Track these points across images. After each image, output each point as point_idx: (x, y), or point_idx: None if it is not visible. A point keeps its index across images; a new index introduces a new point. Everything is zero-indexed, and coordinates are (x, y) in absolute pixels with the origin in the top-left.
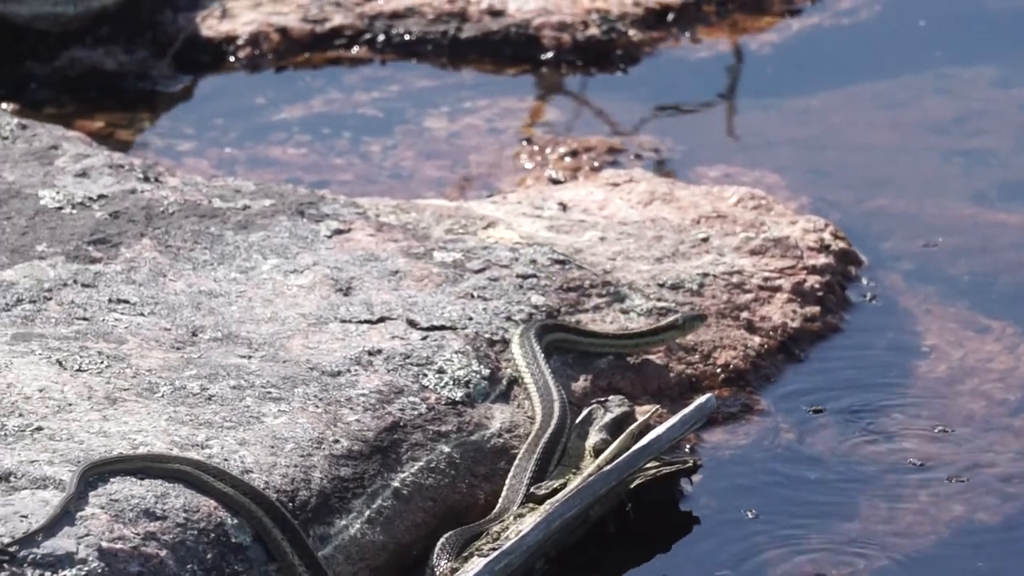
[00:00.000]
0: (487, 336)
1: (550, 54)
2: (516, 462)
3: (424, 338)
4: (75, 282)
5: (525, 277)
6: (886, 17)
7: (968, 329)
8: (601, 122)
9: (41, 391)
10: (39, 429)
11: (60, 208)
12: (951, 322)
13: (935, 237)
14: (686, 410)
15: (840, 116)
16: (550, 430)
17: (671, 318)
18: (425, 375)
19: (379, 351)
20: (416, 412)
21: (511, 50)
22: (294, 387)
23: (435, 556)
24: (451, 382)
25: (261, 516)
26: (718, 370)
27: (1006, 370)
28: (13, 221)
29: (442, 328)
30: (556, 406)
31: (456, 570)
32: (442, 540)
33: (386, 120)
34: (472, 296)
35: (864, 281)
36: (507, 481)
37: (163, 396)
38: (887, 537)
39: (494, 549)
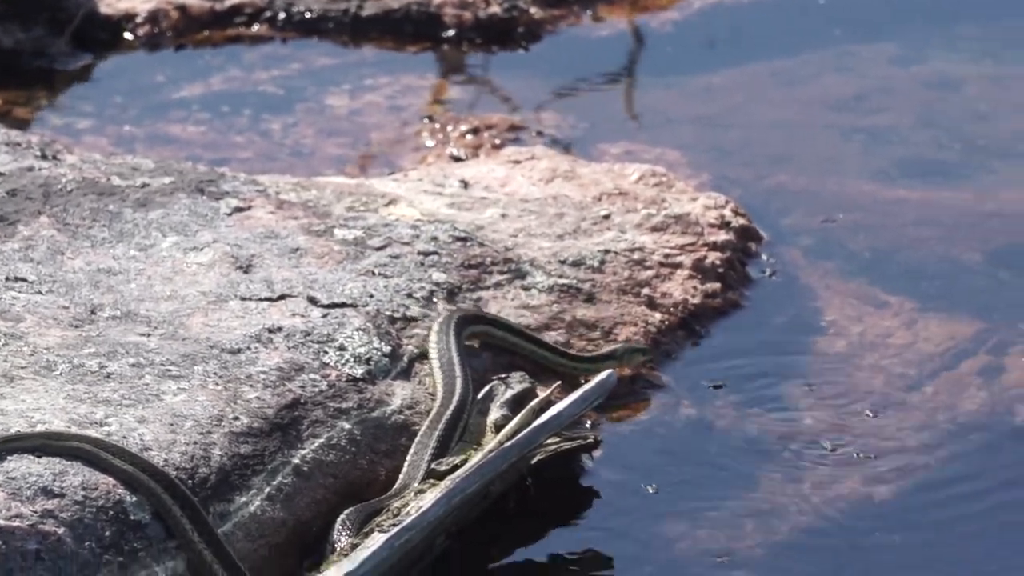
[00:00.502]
0: (388, 313)
1: (451, 32)
2: (417, 438)
3: (325, 315)
4: None
5: (426, 254)
6: None
7: (867, 304)
8: (503, 100)
9: None
10: None
11: None
12: (851, 298)
13: (835, 213)
14: (587, 386)
15: (741, 94)
16: (452, 407)
17: (610, 347)
18: (326, 352)
19: (279, 328)
20: (317, 389)
21: (412, 28)
22: (194, 365)
23: (335, 532)
24: (352, 359)
25: (160, 493)
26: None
27: (904, 345)
28: None
29: (343, 305)
30: (459, 383)
31: (356, 546)
32: (342, 516)
33: (287, 98)
34: (373, 273)
35: (764, 257)
36: (408, 457)
37: (61, 374)
38: (787, 511)
39: (395, 525)
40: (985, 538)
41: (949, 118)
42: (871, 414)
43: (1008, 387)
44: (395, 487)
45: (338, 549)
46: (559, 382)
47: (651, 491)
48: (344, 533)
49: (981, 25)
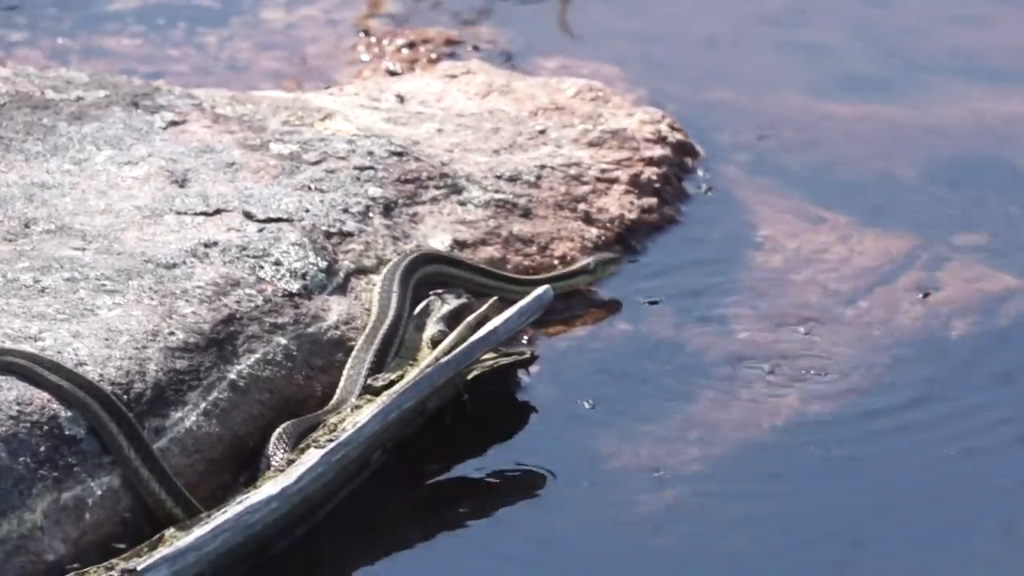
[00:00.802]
0: (324, 228)
1: None
2: (354, 353)
3: (260, 230)
4: None
5: (362, 169)
6: None
7: (803, 220)
8: (439, 13)
9: None
10: None
11: None
12: (786, 213)
13: (771, 129)
14: (523, 301)
15: (677, 7)
16: (388, 321)
17: (582, 262)
18: (261, 267)
19: (215, 243)
20: (252, 304)
21: None
22: (129, 279)
23: (271, 447)
24: (288, 274)
25: (96, 409)
26: (555, 261)
27: (840, 260)
28: None
29: (279, 220)
30: (394, 298)
31: (292, 461)
32: (278, 431)
33: (222, 11)
34: (309, 188)
35: (701, 173)
36: (344, 372)
37: None
38: (721, 427)
39: (331, 440)
40: (918, 451)
41: (884, 33)
42: (807, 330)
43: (942, 302)
44: (331, 402)
45: (274, 464)
46: (495, 297)
47: (587, 407)
48: (280, 448)
49: None
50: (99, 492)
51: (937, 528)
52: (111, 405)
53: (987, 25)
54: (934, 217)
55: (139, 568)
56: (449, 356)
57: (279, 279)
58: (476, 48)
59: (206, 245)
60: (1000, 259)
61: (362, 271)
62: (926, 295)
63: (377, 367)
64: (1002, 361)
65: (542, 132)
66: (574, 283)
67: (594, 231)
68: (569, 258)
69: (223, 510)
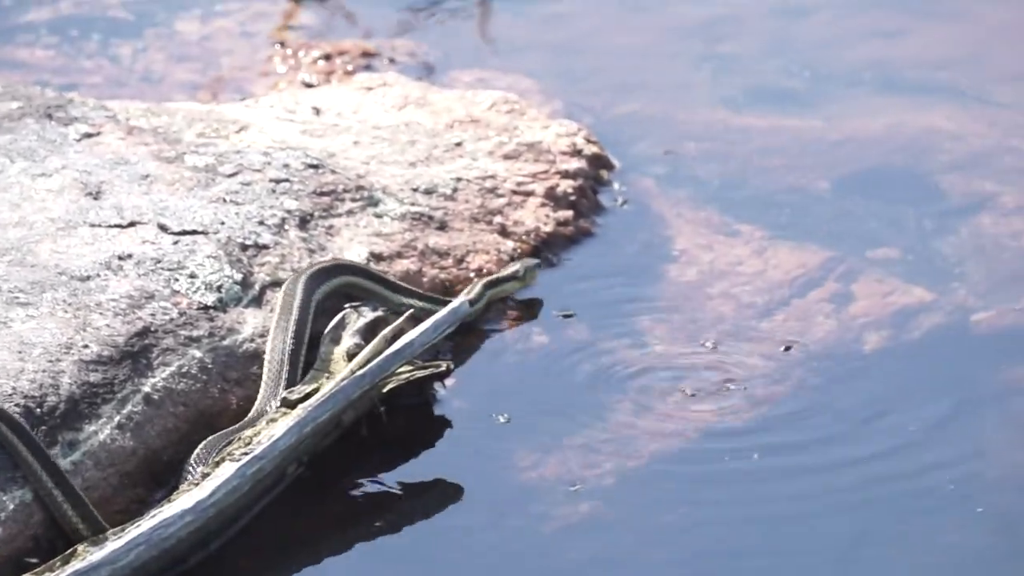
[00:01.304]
0: (240, 241)
1: None
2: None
3: (176, 243)
4: None
5: (278, 181)
6: None
7: (718, 233)
8: (355, 25)
9: None
10: None
11: None
12: (701, 226)
13: (685, 142)
14: (439, 314)
15: (591, 21)
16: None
17: (510, 268)
18: (177, 280)
19: (129, 256)
20: (167, 317)
21: None
22: (42, 292)
23: (192, 462)
24: (203, 287)
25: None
26: (471, 274)
27: (755, 273)
28: None
29: (194, 233)
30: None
31: (208, 475)
32: (202, 445)
33: (136, 23)
34: (224, 200)
35: (616, 185)
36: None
37: None
38: (635, 439)
39: (246, 454)
40: (829, 461)
41: (797, 46)
42: (721, 343)
43: (856, 315)
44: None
45: (190, 479)
46: (411, 310)
47: (503, 420)
48: (201, 463)
49: None
50: (11, 506)
51: (849, 535)
52: (13, 422)
53: (900, 38)
54: (848, 230)
55: None
56: (365, 369)
57: (194, 292)
58: (392, 60)
59: (120, 258)
60: (913, 272)
61: (277, 284)
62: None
63: (292, 380)
64: (913, 374)
65: (458, 145)
66: (505, 289)
67: (510, 244)
68: (485, 271)
69: (137, 524)
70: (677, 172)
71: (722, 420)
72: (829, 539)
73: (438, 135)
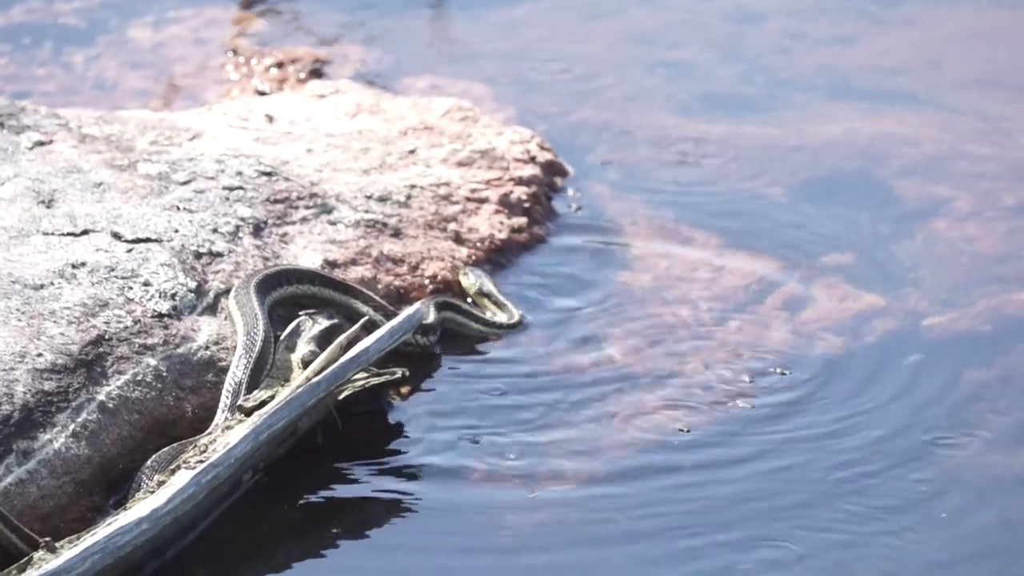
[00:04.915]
0: (193, 249)
1: None
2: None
3: (129, 251)
4: None
5: (232, 189)
6: None
7: (673, 240)
8: (307, 33)
9: None
10: None
11: None
12: (656, 232)
13: (640, 148)
14: (394, 321)
15: (545, 27)
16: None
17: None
18: (131, 288)
19: (83, 264)
20: (122, 325)
21: None
22: None
23: (145, 470)
24: (157, 295)
25: None
26: (426, 281)
27: (709, 280)
28: None
29: (148, 240)
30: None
31: (163, 483)
32: (154, 456)
33: (89, 30)
34: (178, 208)
35: (570, 192)
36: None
37: None
38: (593, 444)
39: (201, 462)
40: (789, 464)
41: (751, 52)
42: (677, 349)
43: (810, 321)
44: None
45: (144, 487)
46: (366, 316)
47: (459, 427)
48: (155, 471)
49: None
50: None
51: (816, 535)
52: None
53: (853, 44)
54: (803, 236)
55: None
56: (320, 376)
57: (148, 300)
58: (345, 68)
59: (74, 266)
60: (868, 278)
61: (232, 291)
62: (686, 431)
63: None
64: (867, 377)
65: (412, 152)
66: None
67: (464, 251)
68: (440, 278)
69: (93, 532)
70: (631, 178)
71: (679, 425)
72: (801, 542)
73: (391, 142)
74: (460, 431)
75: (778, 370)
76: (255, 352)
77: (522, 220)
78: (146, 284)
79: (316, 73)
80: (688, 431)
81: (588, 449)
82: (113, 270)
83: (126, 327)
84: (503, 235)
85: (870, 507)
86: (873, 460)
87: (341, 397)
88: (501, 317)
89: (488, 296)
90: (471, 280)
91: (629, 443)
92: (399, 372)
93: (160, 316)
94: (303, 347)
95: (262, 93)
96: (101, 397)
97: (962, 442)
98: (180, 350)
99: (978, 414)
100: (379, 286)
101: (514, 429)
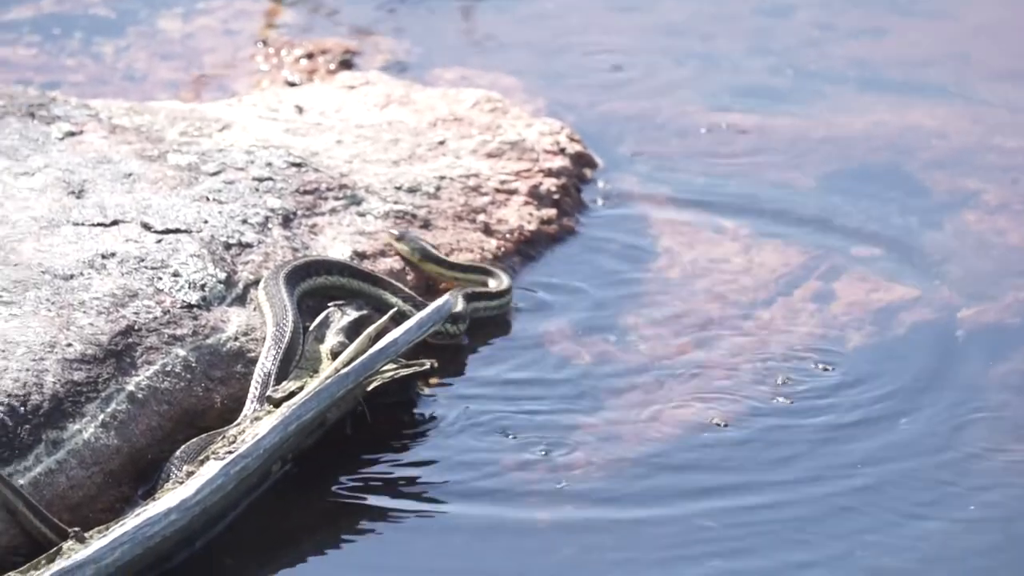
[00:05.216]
0: (223, 239)
1: None
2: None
3: (159, 241)
4: None
5: (261, 180)
6: None
7: (702, 231)
8: (337, 24)
9: None
10: None
11: None
12: (685, 223)
13: (669, 140)
14: (423, 312)
15: (575, 19)
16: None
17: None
18: (160, 278)
19: (113, 254)
20: (151, 315)
21: None
22: (26, 291)
23: (174, 461)
24: (186, 285)
25: None
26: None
27: (739, 271)
28: None
29: (177, 231)
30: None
31: (192, 473)
32: (183, 447)
33: (119, 21)
34: (207, 199)
35: (600, 183)
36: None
37: None
38: (622, 437)
39: (230, 452)
40: (816, 456)
41: (781, 44)
42: (706, 340)
43: (839, 313)
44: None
45: (173, 477)
46: (395, 307)
47: (487, 418)
48: (181, 461)
49: None
50: None
51: (840, 531)
52: None
53: (883, 36)
54: (831, 227)
55: None
56: (349, 367)
57: (178, 290)
58: (375, 59)
59: (104, 256)
60: (897, 269)
61: (261, 282)
62: (723, 424)
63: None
64: (896, 369)
65: (441, 143)
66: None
67: (493, 242)
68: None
69: (121, 522)
70: (660, 170)
71: (708, 417)
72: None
73: (421, 133)
74: (489, 421)
75: (818, 365)
76: (284, 343)
77: (551, 212)
78: (175, 275)
79: (346, 64)
80: (725, 425)
81: (614, 440)
82: (143, 261)
83: (155, 317)
84: (532, 226)
85: (907, 501)
86: (906, 456)
87: (370, 388)
88: (496, 283)
89: (434, 260)
90: (407, 247)
91: (656, 433)
92: (428, 363)
93: (189, 307)
94: (332, 338)
95: (292, 84)
96: (130, 387)
97: (995, 437)
98: (209, 341)
99: (1009, 406)
100: (408, 277)
101: (541, 420)
